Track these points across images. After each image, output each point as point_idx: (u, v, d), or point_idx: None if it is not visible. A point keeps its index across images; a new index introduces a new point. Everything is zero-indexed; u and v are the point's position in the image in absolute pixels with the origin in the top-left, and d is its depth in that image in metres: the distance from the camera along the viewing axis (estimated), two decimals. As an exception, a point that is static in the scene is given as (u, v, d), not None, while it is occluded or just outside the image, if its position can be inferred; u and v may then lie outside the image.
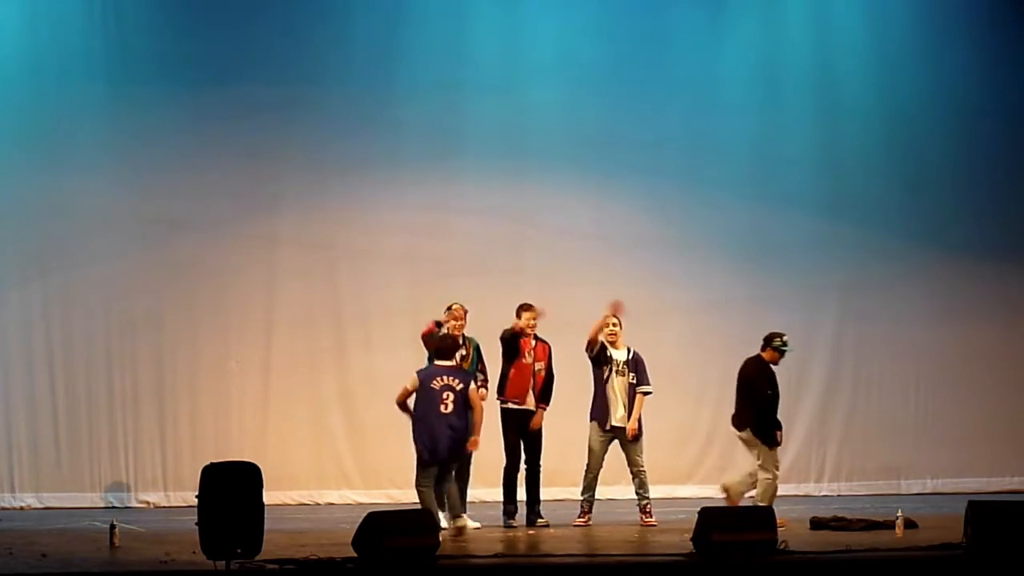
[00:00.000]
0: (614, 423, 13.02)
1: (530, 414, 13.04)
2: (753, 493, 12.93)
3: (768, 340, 13.02)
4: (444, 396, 12.11)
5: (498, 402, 13.06)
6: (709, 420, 16.19)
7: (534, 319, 13.01)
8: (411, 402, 12.28)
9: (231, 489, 9.60)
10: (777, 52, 17.07)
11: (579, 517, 13.09)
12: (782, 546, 10.59)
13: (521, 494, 13.12)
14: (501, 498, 13.18)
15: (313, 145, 15.90)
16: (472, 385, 12.33)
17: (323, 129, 15.91)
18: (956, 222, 17.25)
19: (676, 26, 16.88)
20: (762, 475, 12.78)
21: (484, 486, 14.05)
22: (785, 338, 12.99)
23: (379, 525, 10.02)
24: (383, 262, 15.96)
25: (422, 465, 12.16)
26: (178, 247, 15.63)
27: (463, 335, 12.86)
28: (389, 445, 14.46)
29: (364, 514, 10.19)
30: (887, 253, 17.03)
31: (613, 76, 16.55)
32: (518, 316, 13.07)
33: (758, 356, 13.02)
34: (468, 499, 13.05)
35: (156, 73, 15.60)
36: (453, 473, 12.35)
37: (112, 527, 11.24)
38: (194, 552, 9.92)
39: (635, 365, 13.11)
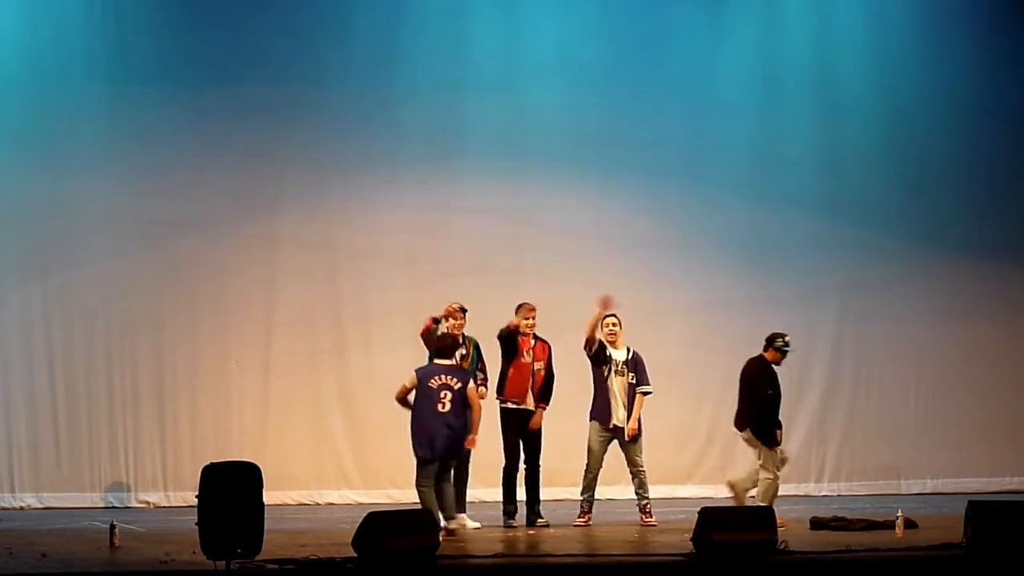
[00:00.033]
0: (615, 423, 13.02)
1: (529, 414, 13.03)
2: (754, 492, 12.93)
3: (770, 340, 13.01)
4: (442, 395, 12.10)
5: (497, 402, 13.06)
6: (709, 420, 16.21)
7: (530, 318, 13.01)
8: (412, 398, 12.29)
9: (231, 489, 9.60)
10: (777, 52, 17.07)
11: (579, 517, 13.09)
12: (782, 546, 10.59)
13: (521, 494, 13.12)
14: (501, 498, 13.17)
15: (313, 145, 15.89)
16: (471, 384, 12.31)
17: (323, 129, 15.91)
18: (956, 222, 17.25)
19: (676, 26, 16.87)
20: (762, 475, 12.78)
21: (484, 486, 14.07)
22: (787, 338, 12.99)
23: (379, 525, 10.02)
24: (383, 262, 15.95)
25: (422, 464, 12.15)
26: (178, 247, 15.63)
27: (463, 334, 12.86)
28: (389, 445, 14.43)
29: (364, 514, 10.19)
30: (887, 253, 17.03)
31: (613, 76, 16.55)
32: (516, 315, 13.08)
33: (760, 356, 13.01)
34: (468, 499, 13.07)
35: (156, 73, 15.60)
36: (451, 473, 12.35)
37: (112, 527, 11.23)
38: (194, 552, 9.92)
39: (635, 365, 13.10)
